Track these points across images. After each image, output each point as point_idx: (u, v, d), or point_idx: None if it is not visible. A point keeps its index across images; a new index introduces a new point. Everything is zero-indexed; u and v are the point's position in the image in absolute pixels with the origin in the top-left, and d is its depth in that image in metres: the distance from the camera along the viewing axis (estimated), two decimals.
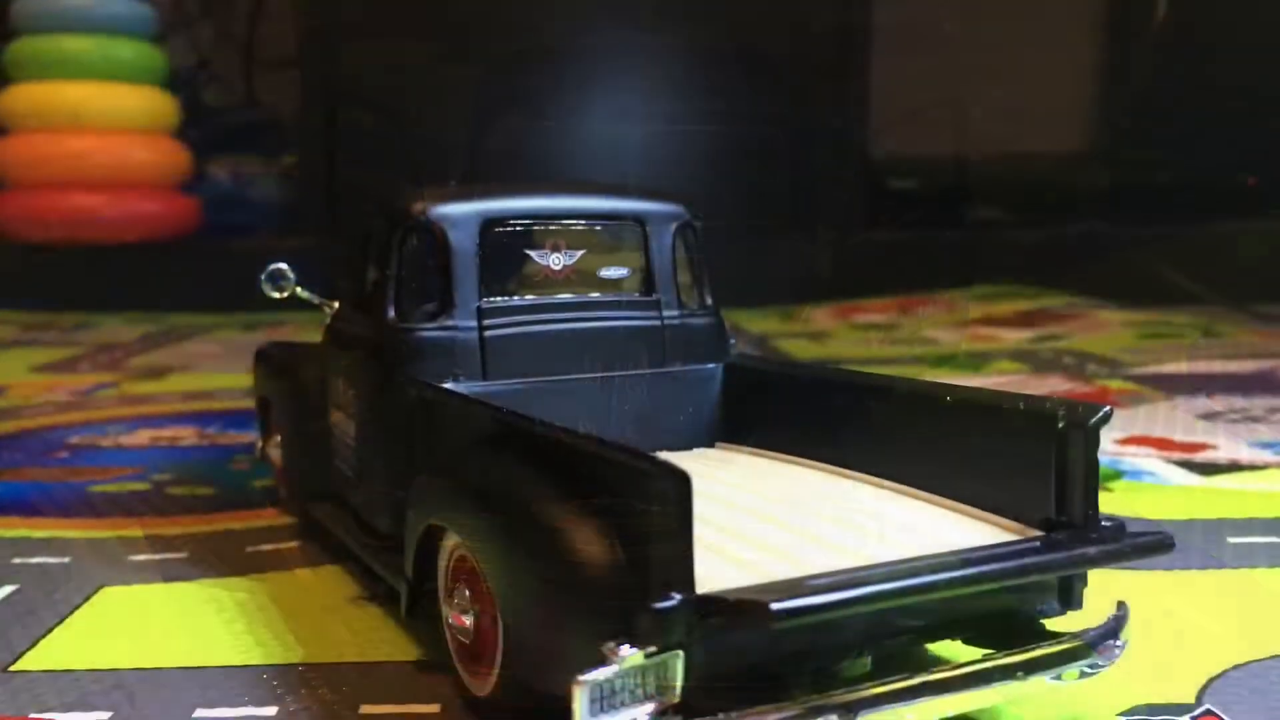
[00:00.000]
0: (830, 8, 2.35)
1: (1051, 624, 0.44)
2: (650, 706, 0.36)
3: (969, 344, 1.59)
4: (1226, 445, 0.93)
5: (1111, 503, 0.76)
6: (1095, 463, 0.43)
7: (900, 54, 2.46)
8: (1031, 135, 2.49)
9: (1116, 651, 0.42)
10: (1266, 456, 0.89)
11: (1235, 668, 0.49)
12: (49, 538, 0.71)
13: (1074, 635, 0.42)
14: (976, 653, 0.42)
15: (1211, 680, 0.48)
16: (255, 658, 0.52)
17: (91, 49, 2.18)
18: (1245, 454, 0.90)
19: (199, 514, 0.77)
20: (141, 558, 0.67)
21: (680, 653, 0.36)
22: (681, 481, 0.35)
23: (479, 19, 2.28)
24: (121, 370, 1.45)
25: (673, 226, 0.62)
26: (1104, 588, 0.46)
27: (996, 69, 2.56)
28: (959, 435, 0.48)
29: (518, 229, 0.58)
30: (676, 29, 2.36)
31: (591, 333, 0.59)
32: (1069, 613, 0.44)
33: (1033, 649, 0.41)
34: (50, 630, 0.56)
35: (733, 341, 0.64)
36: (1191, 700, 0.46)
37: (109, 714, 0.46)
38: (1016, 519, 0.45)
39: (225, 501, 0.80)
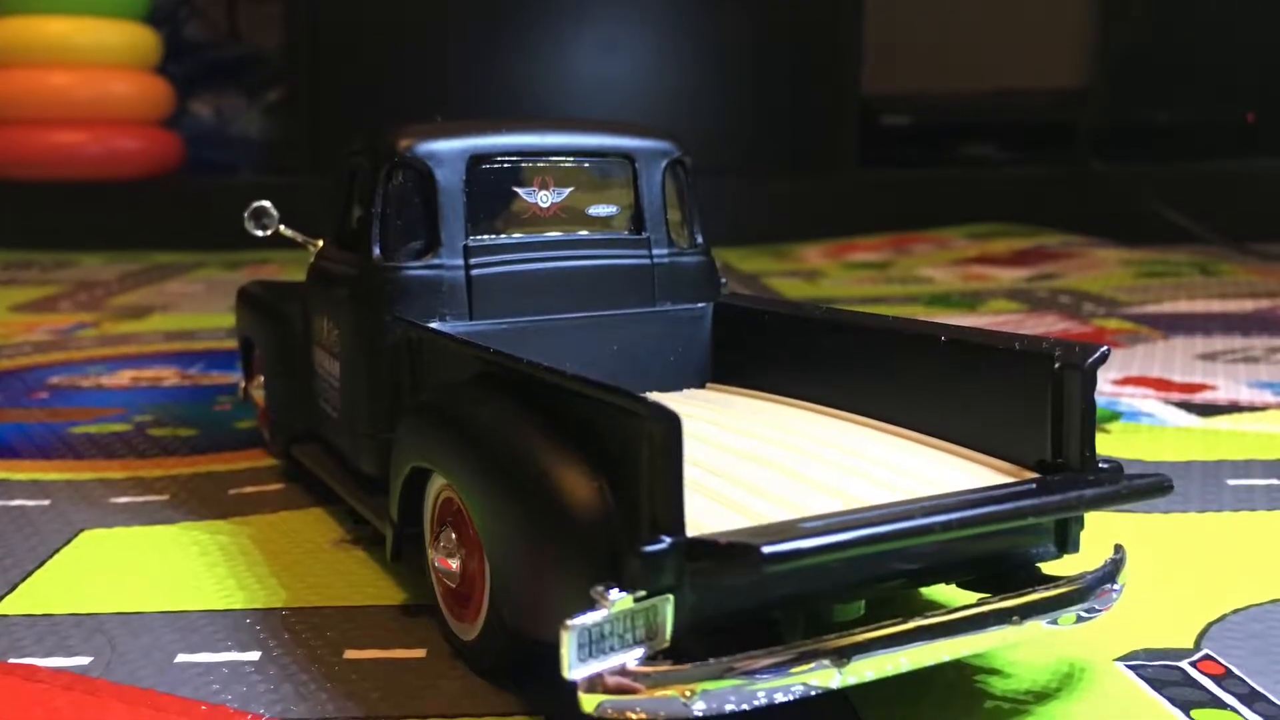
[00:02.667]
0: None
1: (1048, 568, 0.44)
2: (640, 651, 0.35)
3: (964, 283, 1.58)
4: (1226, 386, 0.92)
5: (1108, 444, 0.76)
6: (1092, 404, 0.42)
7: None
8: (1028, 71, 2.47)
9: (1114, 596, 0.42)
10: (1266, 397, 0.88)
11: (1235, 612, 0.49)
12: (29, 480, 0.70)
13: (1070, 579, 0.41)
14: (972, 597, 0.41)
15: (1210, 625, 0.48)
16: (238, 602, 0.51)
17: None
18: (1245, 395, 0.89)
19: (181, 456, 0.76)
20: (122, 500, 0.66)
21: (670, 597, 0.35)
22: (671, 422, 0.34)
23: None
24: (102, 309, 1.43)
25: (663, 163, 0.60)
26: (1101, 531, 0.45)
27: (993, 3, 2.53)
28: (953, 376, 0.47)
29: (505, 166, 0.57)
30: None
31: (580, 271, 0.58)
32: (1065, 556, 0.44)
33: (1029, 593, 0.40)
34: (30, 574, 0.55)
35: (724, 281, 0.63)
36: (1190, 645, 0.46)
37: (90, 659, 0.46)
38: (1012, 461, 0.45)
39: (208, 443, 0.79)
